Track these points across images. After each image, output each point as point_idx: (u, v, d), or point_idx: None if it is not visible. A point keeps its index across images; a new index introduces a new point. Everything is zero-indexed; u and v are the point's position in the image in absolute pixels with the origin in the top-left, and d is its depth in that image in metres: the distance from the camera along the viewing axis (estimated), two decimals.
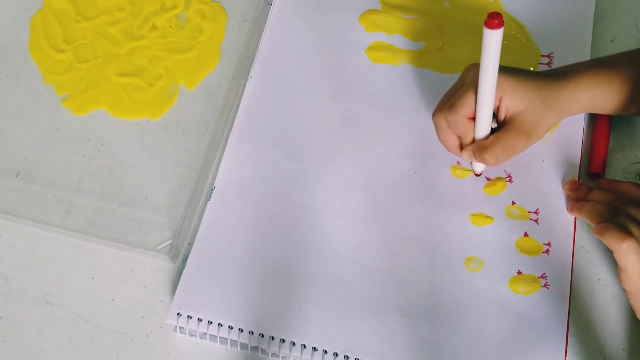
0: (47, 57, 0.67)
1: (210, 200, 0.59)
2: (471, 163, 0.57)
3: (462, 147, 0.54)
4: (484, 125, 0.52)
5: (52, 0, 0.69)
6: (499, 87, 0.49)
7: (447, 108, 0.52)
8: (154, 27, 0.67)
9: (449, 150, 0.55)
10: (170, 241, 0.58)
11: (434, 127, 0.54)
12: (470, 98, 0.50)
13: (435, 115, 0.54)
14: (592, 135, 0.58)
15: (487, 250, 0.55)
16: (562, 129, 0.58)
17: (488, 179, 0.58)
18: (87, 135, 0.63)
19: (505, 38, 0.62)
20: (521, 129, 0.52)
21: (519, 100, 0.51)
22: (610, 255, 0.55)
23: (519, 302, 0.53)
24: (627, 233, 0.47)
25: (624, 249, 0.47)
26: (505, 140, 0.52)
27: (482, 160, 0.53)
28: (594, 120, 0.58)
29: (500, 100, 0.51)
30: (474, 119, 0.52)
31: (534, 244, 0.55)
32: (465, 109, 0.51)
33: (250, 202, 0.58)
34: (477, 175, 0.57)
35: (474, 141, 0.53)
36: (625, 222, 0.48)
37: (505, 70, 0.50)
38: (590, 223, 0.52)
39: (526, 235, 0.55)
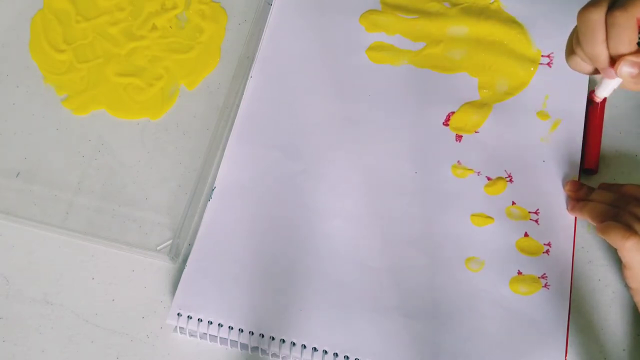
0: (47, 57, 0.67)
1: (210, 200, 0.59)
2: (597, 85, 0.47)
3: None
4: None
5: (52, 0, 0.69)
6: None
7: (618, 5, 0.40)
8: (154, 27, 0.67)
9: (593, 56, 0.42)
10: (170, 241, 0.58)
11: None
12: None
13: (590, 9, 0.41)
14: (584, 131, 0.58)
15: (487, 250, 0.55)
16: (562, 128, 0.59)
17: (488, 178, 0.58)
18: (87, 135, 0.63)
19: (505, 38, 0.62)
20: None
21: None
22: (610, 255, 0.55)
23: (519, 302, 0.53)
24: (631, 230, 0.48)
25: (628, 246, 0.47)
26: None
27: None
28: (586, 116, 0.59)
29: None
30: None
31: (534, 244, 0.55)
32: None
33: (250, 202, 0.58)
34: (590, 102, 0.51)
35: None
36: (629, 220, 0.49)
37: None
38: (592, 222, 0.52)
39: (526, 235, 0.55)
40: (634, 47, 0.40)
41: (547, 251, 0.55)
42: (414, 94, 0.61)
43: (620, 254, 0.49)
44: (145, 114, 0.64)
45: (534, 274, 0.54)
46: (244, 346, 0.54)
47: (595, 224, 0.52)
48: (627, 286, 0.52)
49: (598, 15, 0.40)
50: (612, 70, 0.42)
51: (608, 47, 0.41)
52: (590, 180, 0.57)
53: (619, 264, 0.54)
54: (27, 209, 0.60)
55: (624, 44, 0.40)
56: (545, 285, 0.53)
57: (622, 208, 0.51)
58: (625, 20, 0.39)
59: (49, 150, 0.63)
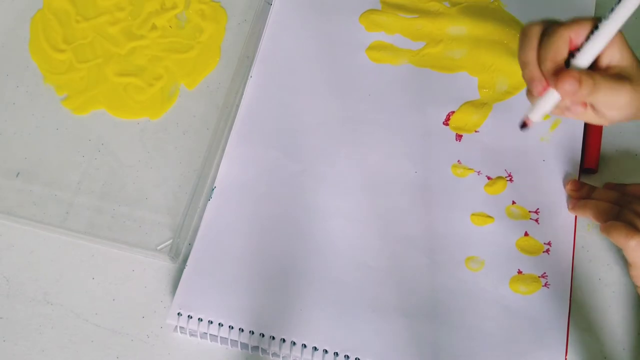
0: (47, 57, 0.67)
1: (210, 200, 0.59)
2: (533, 105, 0.47)
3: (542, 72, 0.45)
4: (590, 55, 0.44)
5: (52, 0, 0.69)
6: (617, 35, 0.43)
7: (553, 23, 0.45)
8: (154, 27, 0.67)
9: (524, 63, 0.46)
10: (170, 241, 0.58)
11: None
12: (585, 21, 0.44)
13: (530, 24, 0.46)
14: (584, 131, 0.58)
15: (487, 250, 0.55)
16: (562, 128, 0.59)
17: (489, 178, 0.58)
18: (87, 135, 0.63)
19: (505, 37, 0.62)
20: (630, 80, 0.45)
21: (627, 55, 0.45)
22: (610, 254, 0.55)
23: (519, 301, 0.53)
24: (635, 229, 0.48)
25: (632, 246, 0.47)
26: (616, 80, 0.44)
27: (587, 87, 0.43)
28: None
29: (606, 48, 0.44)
30: (571, 51, 0.45)
31: (534, 243, 0.55)
32: (575, 29, 0.44)
33: (251, 201, 0.58)
34: (525, 126, 0.47)
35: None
36: (632, 219, 0.48)
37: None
38: (594, 220, 0.52)
39: (526, 234, 0.55)
40: (560, 56, 0.44)
41: (547, 250, 0.55)
42: (414, 93, 0.61)
43: (624, 253, 0.49)
44: (145, 113, 0.64)
45: (534, 273, 0.54)
46: (244, 346, 0.54)
47: (597, 222, 0.52)
48: (634, 285, 0.52)
49: (537, 28, 0.45)
50: (539, 84, 0.45)
51: (538, 55, 0.44)
52: (591, 179, 0.57)
53: (620, 263, 0.54)
54: (27, 209, 0.60)
55: (551, 50, 0.44)
56: (546, 285, 0.53)
57: (625, 207, 0.51)
58: (556, 32, 0.44)
59: (49, 150, 0.63)
